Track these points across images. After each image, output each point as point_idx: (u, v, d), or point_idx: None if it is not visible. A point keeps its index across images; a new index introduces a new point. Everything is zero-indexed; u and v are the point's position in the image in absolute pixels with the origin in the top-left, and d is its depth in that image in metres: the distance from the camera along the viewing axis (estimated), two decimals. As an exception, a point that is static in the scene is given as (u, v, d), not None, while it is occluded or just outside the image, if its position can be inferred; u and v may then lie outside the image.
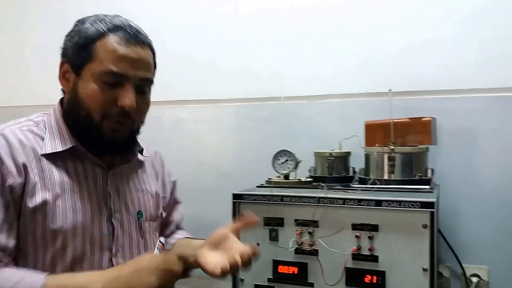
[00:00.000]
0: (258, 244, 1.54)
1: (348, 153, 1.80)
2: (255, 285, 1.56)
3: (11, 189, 1.14)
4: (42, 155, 1.20)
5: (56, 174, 1.20)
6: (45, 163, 1.20)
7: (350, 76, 1.99)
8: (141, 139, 1.41)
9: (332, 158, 1.75)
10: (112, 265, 1.24)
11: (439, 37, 1.89)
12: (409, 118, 1.69)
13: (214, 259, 1.13)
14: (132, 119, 1.23)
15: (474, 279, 1.83)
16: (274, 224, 1.53)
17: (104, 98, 1.18)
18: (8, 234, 1.13)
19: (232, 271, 1.12)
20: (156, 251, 1.26)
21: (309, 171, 1.83)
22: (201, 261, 1.14)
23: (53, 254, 1.17)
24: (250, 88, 2.17)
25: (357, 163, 1.78)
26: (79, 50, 1.19)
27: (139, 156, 1.41)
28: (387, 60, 1.94)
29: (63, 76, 1.25)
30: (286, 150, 1.72)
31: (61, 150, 1.22)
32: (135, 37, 1.20)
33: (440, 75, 1.88)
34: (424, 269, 1.36)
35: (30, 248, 1.17)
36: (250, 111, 2.18)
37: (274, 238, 1.54)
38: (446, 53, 1.88)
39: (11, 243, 1.14)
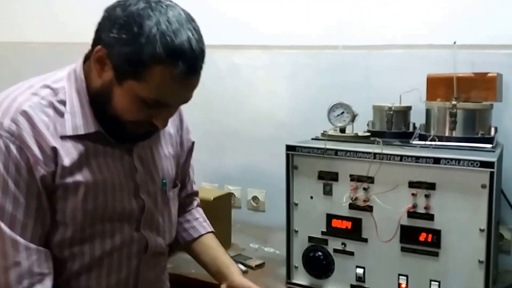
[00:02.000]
0: (311, 197, 1.55)
1: (409, 108, 1.74)
2: (309, 237, 1.58)
3: (42, 180, 1.07)
4: (61, 137, 1.11)
5: (83, 152, 1.13)
6: (66, 142, 1.11)
7: (414, 26, 1.90)
8: None
9: (391, 112, 1.70)
10: (140, 235, 1.25)
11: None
12: (474, 73, 1.61)
13: None
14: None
15: (536, 242, 1.77)
16: (328, 178, 1.53)
17: (139, 115, 1.10)
18: (41, 233, 1.11)
19: None
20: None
21: (367, 125, 1.79)
22: None
23: (82, 233, 1.16)
24: (308, 35, 2.11)
25: (417, 118, 1.72)
26: (130, 62, 1.03)
27: None
28: (453, 11, 1.84)
29: (97, 61, 1.08)
30: (342, 103, 1.68)
31: (83, 133, 1.13)
32: (194, 69, 1.07)
33: (508, 29, 1.77)
34: (481, 230, 1.34)
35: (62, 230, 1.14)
36: (307, 59, 2.13)
37: (328, 192, 1.54)
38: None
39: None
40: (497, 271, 1.66)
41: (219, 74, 2.31)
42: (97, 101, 1.13)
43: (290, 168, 1.58)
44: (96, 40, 1.09)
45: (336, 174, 1.52)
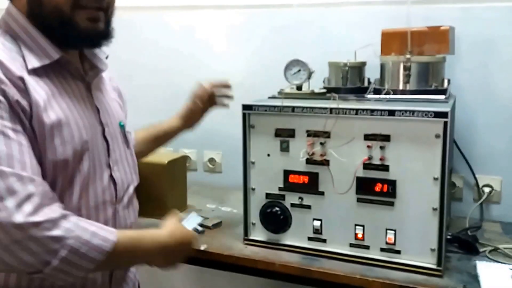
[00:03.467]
0: (268, 155, 1.55)
1: (364, 63, 1.75)
2: (266, 193, 1.58)
3: (23, 112, 1.01)
4: (30, 70, 1.05)
5: (50, 90, 1.07)
6: (35, 79, 1.05)
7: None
8: None
9: (346, 68, 1.71)
10: (113, 182, 1.20)
11: None
12: (427, 27, 1.63)
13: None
14: (105, 4, 1.12)
15: (487, 189, 1.84)
16: (285, 135, 1.53)
17: None
18: (39, 170, 1.02)
19: None
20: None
21: (324, 82, 1.80)
22: None
23: (64, 177, 1.07)
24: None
25: (373, 73, 1.74)
26: None
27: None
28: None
29: None
30: (298, 60, 1.67)
31: (48, 62, 1.08)
32: None
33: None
34: (435, 178, 1.36)
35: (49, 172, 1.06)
36: (262, 18, 2.12)
37: (285, 149, 1.54)
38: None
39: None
40: (450, 217, 1.72)
41: (173, 36, 2.27)
42: (33, 13, 1.08)
43: (247, 127, 1.57)
44: None
45: (293, 130, 1.52)
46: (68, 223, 0.99)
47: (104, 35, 1.16)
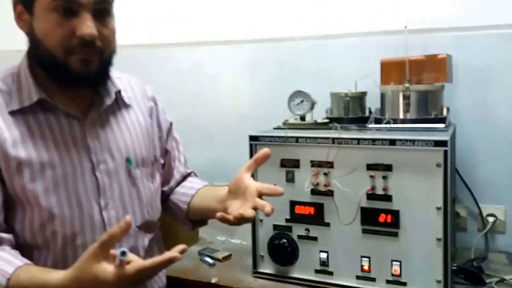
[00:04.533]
0: (274, 185, 1.56)
1: (364, 93, 1.78)
2: (274, 225, 1.59)
3: None
4: (10, 112, 1.14)
5: (30, 130, 1.14)
6: (16, 120, 1.14)
7: (367, 14, 1.93)
8: (123, 74, 1.35)
9: (348, 98, 1.73)
10: (103, 219, 1.20)
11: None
12: (425, 56, 1.65)
13: (235, 209, 1.16)
14: (99, 48, 1.14)
15: (491, 219, 1.81)
16: (290, 166, 1.55)
17: (61, 31, 1.09)
18: None
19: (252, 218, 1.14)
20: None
21: (326, 112, 1.82)
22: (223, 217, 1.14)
23: (39, 214, 1.14)
24: (266, 28, 2.13)
25: (373, 103, 1.76)
26: None
27: (123, 95, 1.31)
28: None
29: (19, 18, 1.16)
30: (301, 91, 1.70)
31: (28, 104, 1.15)
32: None
33: (456, 12, 1.81)
34: (438, 208, 1.37)
35: (18, 211, 1.14)
36: (266, 52, 2.15)
37: (290, 179, 1.55)
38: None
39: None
40: (455, 248, 1.70)
41: (181, 71, 2.32)
42: (34, 55, 1.17)
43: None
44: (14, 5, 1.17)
45: (298, 161, 1.54)
46: None
47: (97, 77, 1.19)
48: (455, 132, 1.64)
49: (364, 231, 1.47)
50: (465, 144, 1.81)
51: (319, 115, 1.76)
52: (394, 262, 1.44)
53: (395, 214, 1.42)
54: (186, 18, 2.26)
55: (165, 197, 1.47)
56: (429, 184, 1.37)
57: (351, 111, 1.74)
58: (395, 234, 1.43)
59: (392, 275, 1.44)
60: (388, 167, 1.42)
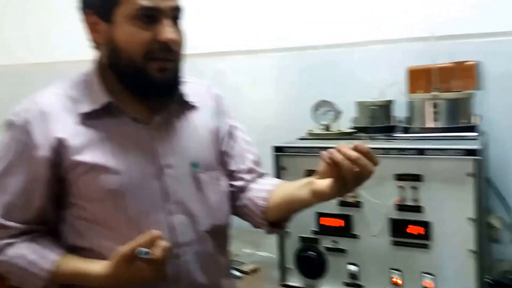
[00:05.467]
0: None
1: (391, 102, 1.74)
2: (300, 237, 1.57)
3: (37, 163, 1.14)
4: (79, 115, 1.17)
5: (99, 134, 1.16)
6: (84, 125, 1.16)
7: (392, 20, 1.90)
8: (189, 78, 1.33)
9: (374, 107, 1.70)
10: (170, 224, 1.19)
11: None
12: (453, 63, 1.62)
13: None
14: (176, 53, 1.18)
15: (526, 230, 1.76)
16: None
17: (144, 36, 1.13)
18: (29, 210, 1.17)
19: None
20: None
21: (351, 121, 1.79)
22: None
23: (106, 219, 1.16)
24: (289, 37, 2.12)
25: (400, 111, 1.72)
26: None
27: (189, 98, 1.29)
28: (429, 3, 1.84)
29: (93, 29, 1.18)
30: (325, 100, 1.68)
31: (97, 107, 1.17)
32: None
33: (483, 17, 1.77)
34: (470, 219, 1.33)
35: (87, 214, 1.17)
36: (289, 61, 2.14)
37: (316, 190, 1.53)
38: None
39: (31, 214, 1.17)
40: (488, 260, 1.65)
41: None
42: (111, 63, 1.18)
43: (278, 169, 1.58)
44: (82, 9, 1.19)
45: (324, 172, 1.51)
46: (11, 249, 1.16)
47: (172, 83, 1.21)
48: (488, 140, 1.59)
49: (394, 243, 1.44)
50: (499, 153, 1.76)
51: (344, 124, 1.74)
52: (425, 275, 1.41)
53: (426, 225, 1.39)
54: (208, 28, 2.25)
55: (238, 197, 1.37)
56: (461, 194, 1.34)
57: (378, 120, 1.71)
58: (426, 246, 1.40)
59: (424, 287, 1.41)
60: (417, 177, 1.39)
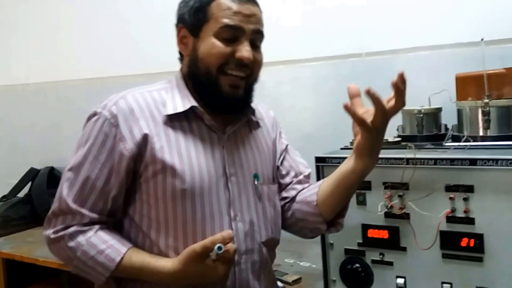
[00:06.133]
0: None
1: (439, 109, 1.69)
2: (345, 249, 1.54)
3: (121, 155, 1.19)
4: (163, 116, 1.24)
5: (177, 137, 1.24)
6: (166, 126, 1.24)
7: (438, 26, 1.86)
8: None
9: (421, 115, 1.65)
10: (232, 230, 1.24)
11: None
12: (505, 69, 1.56)
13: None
14: (249, 72, 1.26)
15: None
16: (361, 188, 1.48)
17: (222, 50, 1.22)
18: (105, 199, 1.21)
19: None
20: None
21: (397, 130, 1.75)
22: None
23: (171, 218, 1.21)
24: (329, 45, 2.09)
25: (449, 119, 1.67)
26: (196, 13, 1.25)
27: (255, 116, 1.40)
28: (477, 7, 1.79)
29: (181, 41, 1.30)
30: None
31: (182, 110, 1.25)
32: None
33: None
34: (527, 232, 1.28)
35: (153, 212, 1.22)
36: (330, 69, 2.11)
37: (361, 202, 1.50)
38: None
39: (105, 205, 1.22)
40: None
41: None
42: (191, 73, 1.28)
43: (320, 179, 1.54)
44: (176, 24, 1.31)
45: (369, 182, 1.48)
46: (82, 237, 1.20)
47: (242, 102, 1.30)
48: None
49: (445, 256, 1.39)
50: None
51: (389, 133, 1.69)
52: (479, 289, 1.35)
53: (479, 238, 1.34)
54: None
55: (289, 207, 1.42)
56: (514, 206, 1.29)
57: (425, 129, 1.65)
58: (480, 259, 1.34)
59: (477, 302, 1.36)
60: (469, 188, 1.35)
